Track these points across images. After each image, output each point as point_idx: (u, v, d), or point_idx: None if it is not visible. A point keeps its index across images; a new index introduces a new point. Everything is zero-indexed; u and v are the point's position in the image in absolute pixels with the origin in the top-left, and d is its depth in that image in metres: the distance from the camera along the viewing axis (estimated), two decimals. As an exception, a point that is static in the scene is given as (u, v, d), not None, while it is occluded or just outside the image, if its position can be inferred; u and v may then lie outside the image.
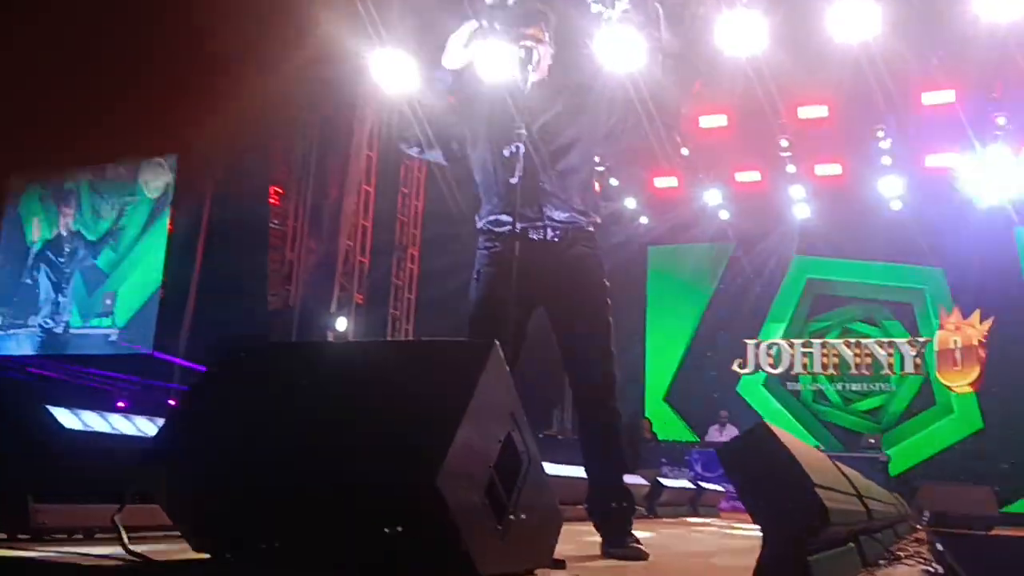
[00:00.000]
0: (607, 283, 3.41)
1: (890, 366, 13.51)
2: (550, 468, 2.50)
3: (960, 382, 12.91)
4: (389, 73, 9.50)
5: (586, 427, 3.35)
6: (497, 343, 2.05)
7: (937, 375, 13.12)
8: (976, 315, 12.93)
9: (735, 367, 14.28)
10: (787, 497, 1.73)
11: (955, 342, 13.00)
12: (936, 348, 13.17)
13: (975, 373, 12.80)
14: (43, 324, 11.06)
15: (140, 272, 10.67)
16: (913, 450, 12.82)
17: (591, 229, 3.40)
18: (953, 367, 12.97)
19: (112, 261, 10.93)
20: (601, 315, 3.34)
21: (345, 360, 2.31)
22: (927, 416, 13.09)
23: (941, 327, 13.19)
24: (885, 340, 13.63)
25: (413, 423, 1.91)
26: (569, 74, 3.63)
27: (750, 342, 14.31)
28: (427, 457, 1.79)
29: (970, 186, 11.68)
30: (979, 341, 12.81)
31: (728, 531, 6.08)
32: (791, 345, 14.11)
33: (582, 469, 3.40)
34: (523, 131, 3.19)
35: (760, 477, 1.80)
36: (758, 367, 14.22)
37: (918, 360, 13.31)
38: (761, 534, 1.87)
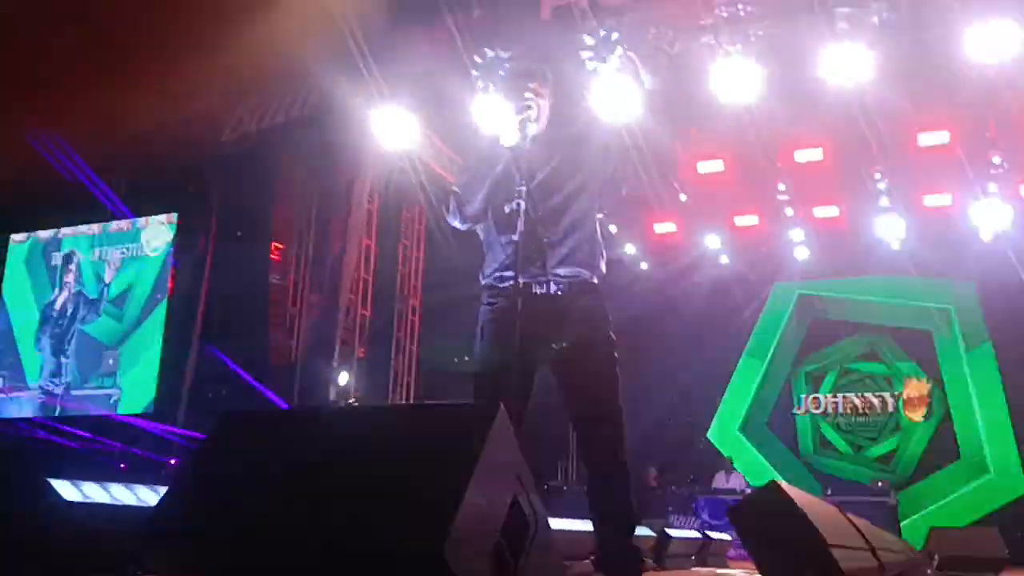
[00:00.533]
0: (613, 335, 3.39)
1: (882, 408, 13.96)
2: (556, 523, 2.46)
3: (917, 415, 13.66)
4: (389, 128, 9.59)
5: (594, 483, 3.30)
6: (502, 406, 2.03)
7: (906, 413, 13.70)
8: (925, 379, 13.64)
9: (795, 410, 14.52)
10: (802, 559, 1.70)
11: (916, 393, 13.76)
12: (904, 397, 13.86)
13: (924, 410, 13.70)
14: (43, 386, 11.01)
15: (142, 330, 10.65)
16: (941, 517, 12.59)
17: (595, 281, 3.40)
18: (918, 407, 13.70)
19: (114, 320, 10.92)
20: (607, 369, 3.31)
21: (348, 425, 2.28)
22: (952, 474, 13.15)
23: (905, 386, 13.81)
24: (883, 392, 14.00)
25: (417, 490, 1.88)
26: (565, 127, 3.65)
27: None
28: (432, 525, 1.76)
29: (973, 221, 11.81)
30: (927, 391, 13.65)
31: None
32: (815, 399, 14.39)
33: (588, 523, 3.35)
34: (522, 187, 3.19)
35: (773, 538, 1.77)
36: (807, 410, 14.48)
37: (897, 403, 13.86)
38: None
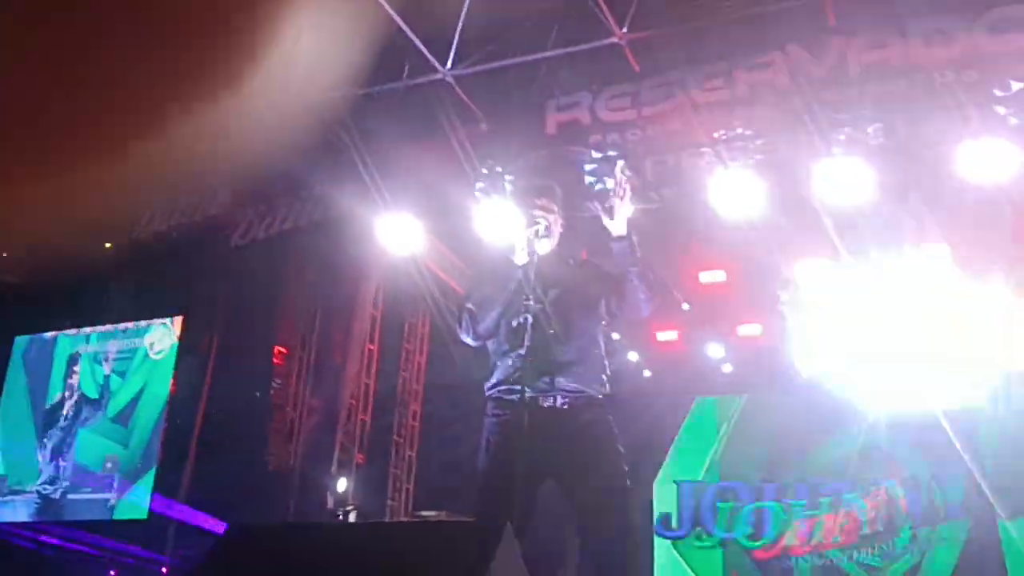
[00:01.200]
0: (622, 449, 3.38)
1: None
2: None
3: None
4: (394, 235, 9.74)
5: None
6: (509, 524, 2.01)
7: None
8: None
9: None
10: None
11: None
12: None
13: None
14: (40, 491, 10.86)
15: (142, 434, 10.57)
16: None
17: (601, 397, 3.41)
18: None
19: (115, 424, 10.84)
20: (617, 483, 3.29)
21: (352, 542, 2.25)
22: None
23: None
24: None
25: (422, 612, 1.85)
26: (576, 248, 3.73)
27: None
28: (437, 650, 1.73)
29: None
30: None
31: None
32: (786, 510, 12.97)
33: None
34: (530, 302, 3.24)
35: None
36: None
37: None
38: None
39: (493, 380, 3.40)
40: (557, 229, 3.53)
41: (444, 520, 2.21)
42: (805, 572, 12.34)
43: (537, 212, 3.44)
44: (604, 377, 3.42)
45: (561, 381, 3.28)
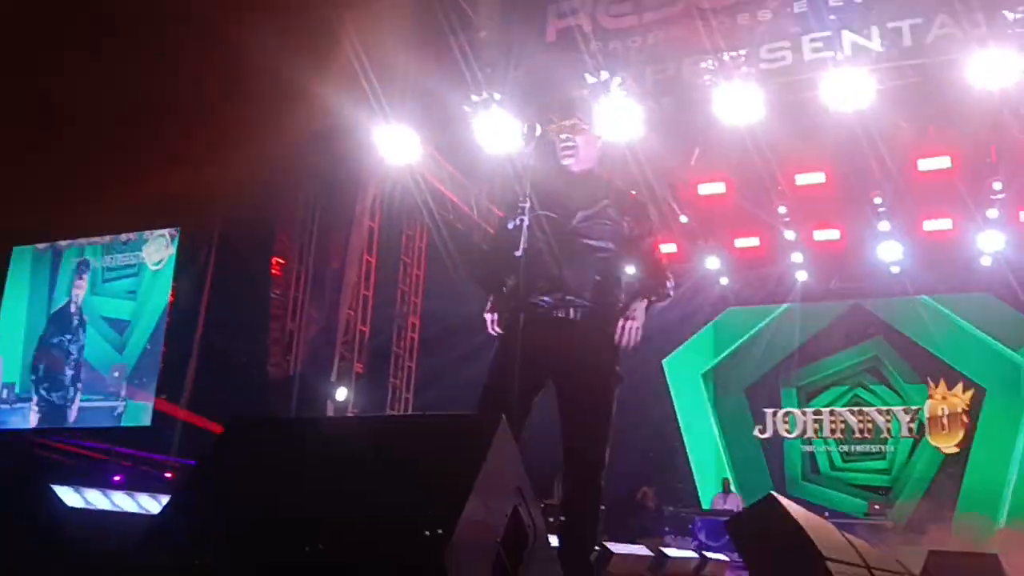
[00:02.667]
0: (618, 367, 3.42)
1: (888, 431, 14.04)
2: (554, 541, 2.47)
3: (948, 443, 13.68)
4: (392, 145, 9.66)
5: (568, 500, 3.38)
6: (504, 417, 2.05)
7: (928, 439, 13.80)
8: (959, 386, 13.66)
9: (756, 433, 14.56)
10: (798, 572, 1.71)
11: (942, 410, 13.79)
12: (927, 415, 13.87)
13: (960, 435, 13.62)
14: (47, 398, 11.01)
15: (144, 344, 10.66)
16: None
17: (607, 313, 3.41)
18: (941, 431, 13.76)
19: (118, 334, 10.93)
20: (604, 399, 3.35)
21: (351, 434, 2.30)
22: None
23: (930, 397, 13.86)
24: (884, 408, 14.12)
25: (419, 498, 1.90)
26: (614, 176, 3.70)
27: (768, 411, 14.64)
28: (433, 533, 1.78)
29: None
30: (963, 409, 13.67)
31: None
32: (803, 413, 14.53)
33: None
34: (527, 204, 3.23)
35: (769, 550, 1.78)
36: (775, 432, 14.59)
37: (912, 425, 13.92)
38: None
39: (511, 286, 3.40)
40: (592, 148, 3.46)
41: (441, 414, 2.25)
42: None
43: (564, 135, 3.40)
44: (616, 294, 3.41)
45: (571, 292, 3.29)
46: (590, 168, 3.52)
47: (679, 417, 14.88)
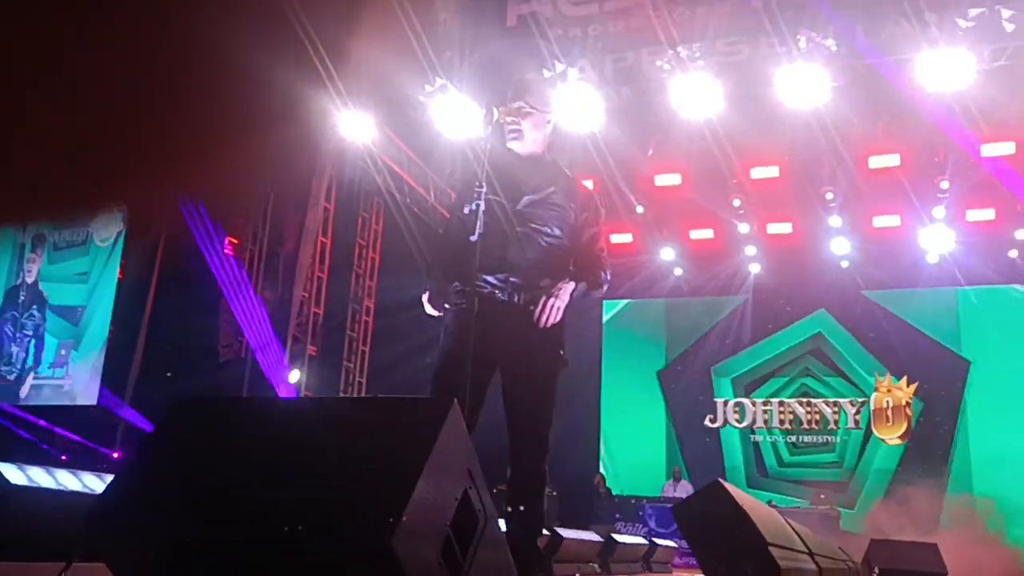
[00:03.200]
0: (563, 352, 3.44)
1: (835, 422, 14.24)
2: (503, 525, 2.49)
3: (892, 435, 13.91)
4: (349, 127, 9.58)
5: (513, 484, 3.39)
6: (455, 401, 2.05)
7: (874, 431, 14.01)
8: (904, 380, 13.89)
9: (707, 422, 14.68)
10: (741, 556, 1.75)
11: (887, 403, 13.97)
12: (872, 408, 14.07)
13: (903, 427, 13.84)
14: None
15: (92, 323, 10.47)
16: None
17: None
18: (886, 423, 13.95)
19: (66, 311, 10.72)
20: (548, 384, 3.37)
21: (300, 415, 2.29)
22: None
23: (876, 389, 14.07)
24: (831, 400, 14.30)
25: (369, 480, 1.89)
26: (562, 162, 3.67)
27: (718, 400, 14.79)
28: (382, 515, 1.78)
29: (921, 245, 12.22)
30: (906, 402, 13.87)
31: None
32: (753, 404, 14.70)
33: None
34: (483, 189, 3.23)
35: (714, 535, 1.81)
36: (726, 422, 14.70)
37: (857, 417, 14.15)
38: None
39: (455, 269, 3.39)
40: (538, 132, 3.46)
41: (393, 397, 2.25)
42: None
43: (510, 118, 3.38)
44: (559, 277, 3.42)
45: (515, 275, 3.30)
46: (539, 152, 3.51)
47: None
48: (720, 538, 1.80)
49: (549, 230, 3.42)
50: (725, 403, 14.79)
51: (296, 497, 1.93)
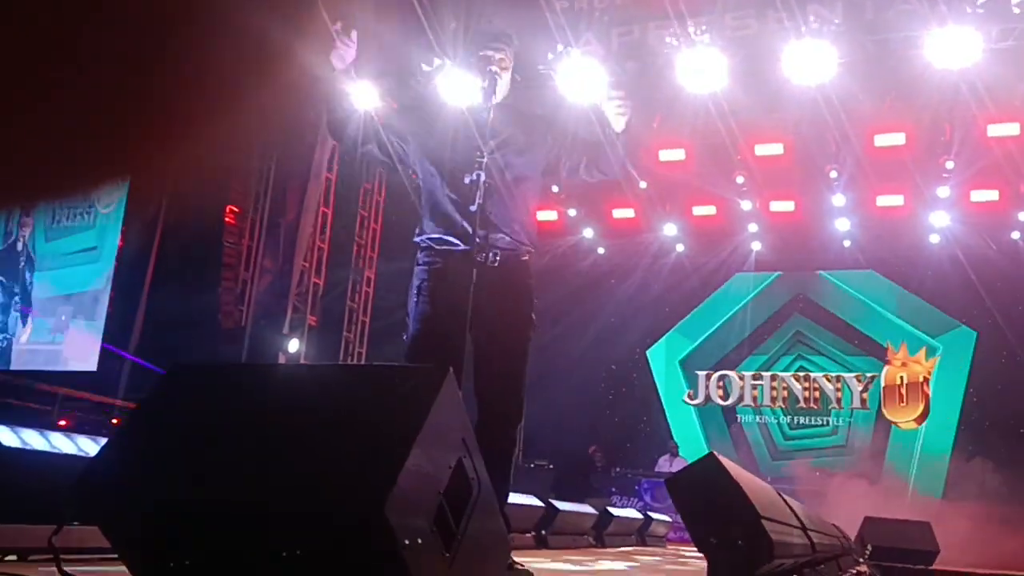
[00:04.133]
0: (534, 316, 3.44)
1: (838, 401, 13.56)
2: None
3: (905, 417, 13.01)
4: (352, 95, 9.49)
5: (484, 452, 3.36)
6: (451, 369, 2.04)
7: (884, 411, 13.20)
8: (922, 352, 13.09)
9: (685, 399, 14.37)
10: (734, 528, 1.74)
11: (901, 378, 13.08)
12: (883, 384, 13.24)
13: (919, 409, 12.92)
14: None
15: (92, 288, 10.46)
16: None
17: (526, 258, 3.43)
18: (899, 404, 13.05)
19: (65, 276, 10.71)
20: (520, 348, 3.35)
21: (295, 382, 2.28)
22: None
23: (888, 363, 13.27)
24: (833, 375, 13.70)
25: (362, 448, 1.88)
26: (522, 101, 3.65)
27: (700, 373, 14.39)
28: (375, 484, 1.77)
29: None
30: (924, 378, 12.94)
31: (674, 563, 6.09)
32: (741, 377, 14.19)
33: (528, 497, 3.41)
34: (484, 159, 3.20)
35: (707, 508, 1.81)
36: (708, 399, 14.30)
37: (864, 395, 13.38)
38: (706, 565, 1.87)
39: (426, 228, 3.36)
40: (507, 80, 3.44)
41: (389, 364, 2.23)
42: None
43: (494, 67, 3.35)
44: (534, 237, 3.43)
45: (495, 237, 3.28)
46: (502, 101, 3.50)
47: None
48: (713, 510, 1.79)
49: (523, 177, 3.41)
50: (708, 376, 14.34)
51: (289, 463, 1.93)
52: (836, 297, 13.93)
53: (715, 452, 1.91)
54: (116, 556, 2.11)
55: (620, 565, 5.30)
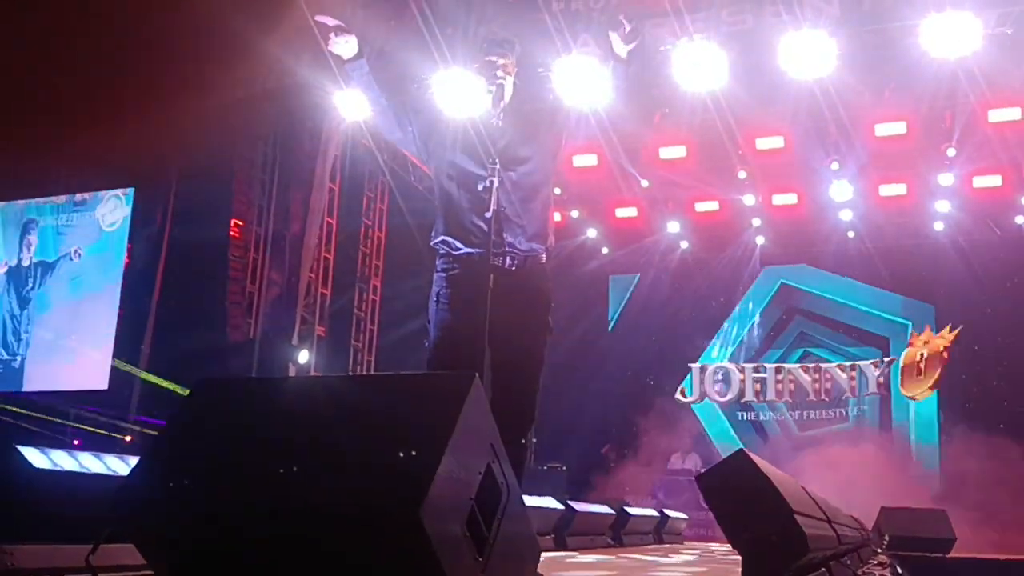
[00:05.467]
0: (551, 321, 3.45)
1: (852, 389, 13.41)
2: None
3: (921, 388, 13.01)
4: (351, 105, 9.53)
5: None
6: (477, 376, 2.06)
7: (901, 390, 13.14)
8: (946, 329, 13.07)
9: (677, 395, 14.12)
10: (767, 524, 1.76)
11: (921, 355, 13.06)
12: (902, 365, 13.20)
13: (936, 375, 12.93)
14: (1, 359, 10.81)
15: (100, 307, 10.48)
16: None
17: (544, 260, 3.45)
18: (916, 377, 13.04)
19: (73, 294, 10.73)
20: (536, 353, 3.37)
21: (325, 394, 2.29)
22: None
23: (910, 345, 13.25)
24: (848, 364, 13.57)
25: (396, 456, 1.90)
26: (526, 102, 3.67)
27: (694, 366, 14.17)
28: (410, 489, 1.79)
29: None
30: (944, 347, 12.94)
31: (697, 558, 6.09)
32: (741, 370, 13.96)
33: (546, 499, 3.43)
34: (496, 165, 3.22)
35: (740, 504, 1.82)
36: (704, 395, 14.09)
37: (881, 379, 13.26)
38: (740, 559, 1.89)
39: (442, 233, 3.38)
40: (510, 85, 3.47)
41: (415, 373, 2.25)
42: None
43: (499, 72, 3.37)
44: (549, 237, 3.44)
45: (512, 239, 3.30)
46: (513, 105, 3.53)
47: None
48: (745, 507, 1.81)
49: (531, 180, 3.43)
50: (703, 370, 14.08)
51: (323, 474, 1.95)
52: (840, 286, 13.89)
53: (744, 448, 1.93)
54: (152, 572, 2.12)
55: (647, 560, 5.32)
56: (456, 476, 1.93)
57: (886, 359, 13.28)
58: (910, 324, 13.37)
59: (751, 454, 1.88)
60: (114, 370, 9.96)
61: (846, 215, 12.69)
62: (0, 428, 9.36)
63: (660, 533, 8.44)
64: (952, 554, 7.05)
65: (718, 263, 14.36)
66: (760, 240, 13.83)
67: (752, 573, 1.85)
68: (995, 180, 11.63)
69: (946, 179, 11.58)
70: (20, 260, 11.10)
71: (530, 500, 4.97)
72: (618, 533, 7.19)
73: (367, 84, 3.55)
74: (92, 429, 9.78)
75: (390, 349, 12.16)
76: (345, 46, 3.45)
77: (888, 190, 12.13)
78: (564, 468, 11.83)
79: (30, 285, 10.92)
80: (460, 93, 8.80)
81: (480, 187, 3.23)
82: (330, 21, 3.42)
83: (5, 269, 11.11)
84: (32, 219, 11.02)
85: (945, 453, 12.29)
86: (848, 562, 3.69)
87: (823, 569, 2.68)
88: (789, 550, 1.80)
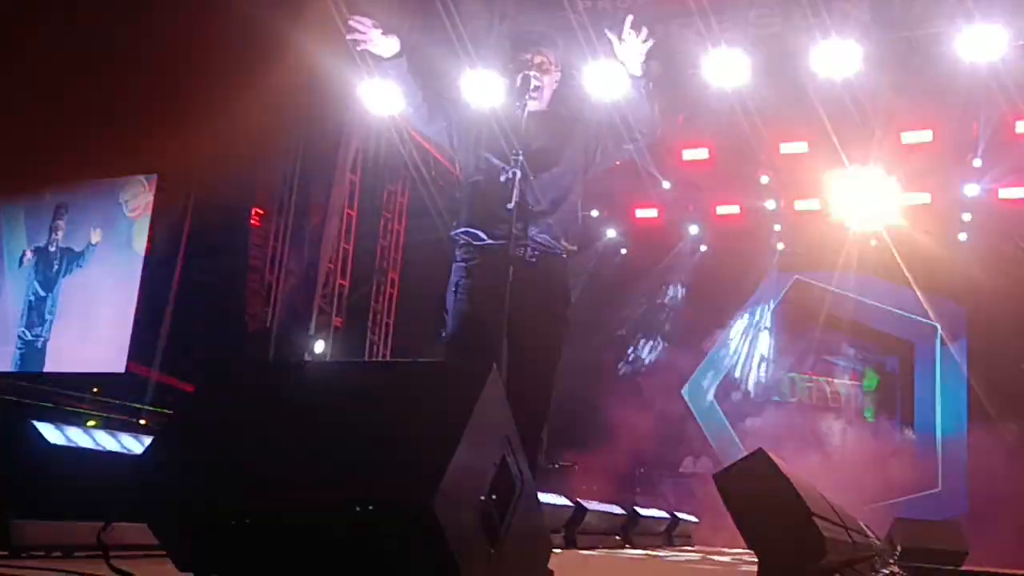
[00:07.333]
0: (569, 317, 3.43)
1: (865, 396, 13.61)
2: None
3: None
4: (375, 99, 9.54)
5: None
6: (495, 366, 2.04)
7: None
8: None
9: (689, 397, 14.09)
10: (785, 526, 1.73)
11: None
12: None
13: None
14: (23, 337, 10.92)
15: (121, 291, 10.55)
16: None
17: (566, 256, 3.43)
18: None
19: (97, 279, 10.81)
20: (555, 345, 3.35)
21: (341, 379, 2.29)
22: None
23: None
24: (861, 370, 13.70)
25: (410, 444, 1.89)
26: (561, 104, 3.65)
27: (707, 370, 14.26)
28: (424, 479, 1.78)
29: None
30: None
31: (706, 561, 6.06)
32: (757, 374, 14.09)
33: (557, 496, 3.41)
34: (519, 157, 3.21)
35: (757, 505, 1.80)
36: (717, 398, 14.11)
37: (891, 389, 13.56)
38: (756, 561, 1.86)
39: (464, 223, 3.36)
40: (551, 87, 3.45)
41: (431, 361, 2.24)
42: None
43: (533, 70, 3.35)
44: (574, 235, 3.42)
45: (533, 233, 3.29)
46: (547, 108, 3.50)
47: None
48: (763, 508, 1.78)
49: (562, 182, 3.42)
50: (717, 373, 14.03)
51: (337, 461, 1.94)
52: (863, 293, 13.77)
53: (764, 448, 1.90)
54: (163, 552, 2.12)
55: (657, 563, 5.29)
56: (470, 467, 1.92)
57: (898, 371, 13.41)
58: (939, 327, 13.31)
59: (771, 454, 1.85)
60: (131, 354, 10.03)
61: (869, 222, 12.54)
62: (18, 405, 9.45)
63: (671, 535, 8.40)
64: (965, 567, 6.98)
65: (737, 267, 14.25)
66: (780, 245, 13.73)
67: (768, 574, 1.82)
68: (1022, 192, 11.50)
69: (972, 189, 11.45)
70: (48, 244, 11.20)
71: (541, 497, 4.95)
72: (629, 534, 7.16)
73: (405, 80, 3.54)
74: (105, 415, 9.84)
75: (406, 342, 12.16)
76: (386, 44, 3.44)
77: (912, 199, 12.01)
78: (575, 466, 11.80)
79: (55, 268, 11.02)
80: (489, 90, 8.83)
81: (503, 179, 3.22)
82: (367, 21, 3.41)
83: (34, 252, 11.22)
84: (62, 204, 11.12)
85: (969, 463, 12.22)
86: (860, 568, 3.65)
87: (837, 575, 2.65)
88: (806, 553, 1.78)
